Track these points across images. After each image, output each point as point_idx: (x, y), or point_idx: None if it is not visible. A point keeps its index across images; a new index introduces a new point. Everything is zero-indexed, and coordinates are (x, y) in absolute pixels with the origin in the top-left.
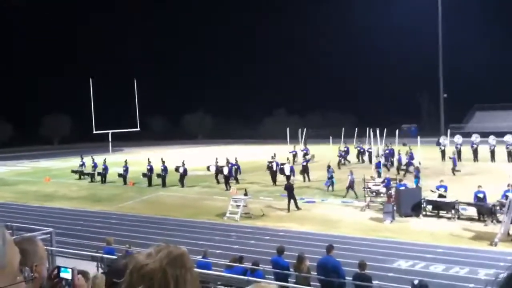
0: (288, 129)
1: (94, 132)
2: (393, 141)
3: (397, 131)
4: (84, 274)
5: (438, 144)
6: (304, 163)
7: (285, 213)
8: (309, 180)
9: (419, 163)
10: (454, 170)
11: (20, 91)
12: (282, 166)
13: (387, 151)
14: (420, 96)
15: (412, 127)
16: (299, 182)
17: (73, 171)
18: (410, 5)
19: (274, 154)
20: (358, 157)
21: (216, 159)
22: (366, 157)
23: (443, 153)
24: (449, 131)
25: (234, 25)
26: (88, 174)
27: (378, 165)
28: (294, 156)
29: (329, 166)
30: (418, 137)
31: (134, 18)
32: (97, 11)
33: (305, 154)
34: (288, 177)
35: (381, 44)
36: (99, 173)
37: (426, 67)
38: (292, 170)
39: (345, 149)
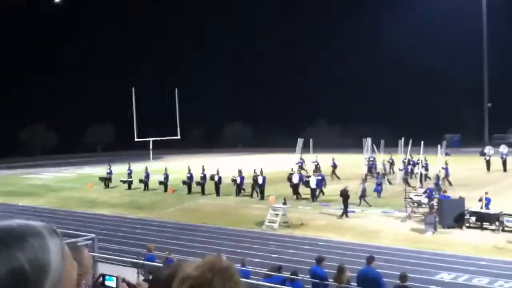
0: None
1: (136, 140)
2: (436, 151)
3: (439, 145)
4: (129, 283)
5: (482, 154)
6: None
7: (324, 222)
8: (323, 194)
9: (439, 171)
10: (447, 179)
11: (66, 100)
12: (308, 179)
13: (409, 162)
14: (464, 106)
15: (455, 136)
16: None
17: (100, 179)
18: (454, 17)
19: (299, 165)
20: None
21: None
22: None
23: (488, 163)
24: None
25: (272, 37)
26: (125, 181)
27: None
28: (301, 167)
29: (378, 173)
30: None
31: (180, 29)
32: (143, 22)
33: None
34: (313, 190)
35: (425, 53)
36: (141, 180)
37: (471, 77)
38: (318, 182)
39: (390, 160)
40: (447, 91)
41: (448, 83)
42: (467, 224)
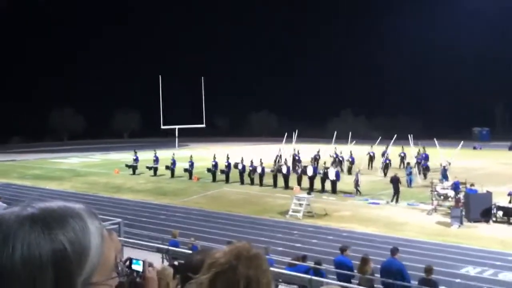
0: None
1: (162, 127)
2: (465, 145)
3: (462, 141)
4: (154, 268)
5: (511, 148)
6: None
7: (348, 213)
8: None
9: (449, 163)
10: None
11: (95, 86)
12: (326, 170)
13: (421, 156)
14: (494, 100)
15: (483, 130)
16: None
17: (126, 166)
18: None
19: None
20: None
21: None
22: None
23: None
24: None
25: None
26: (151, 168)
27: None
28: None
29: (408, 163)
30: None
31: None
32: (172, 9)
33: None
34: (333, 182)
35: (457, 48)
36: (167, 167)
37: (503, 70)
38: (337, 175)
39: (424, 155)
40: (479, 85)
41: (479, 77)
42: (494, 219)
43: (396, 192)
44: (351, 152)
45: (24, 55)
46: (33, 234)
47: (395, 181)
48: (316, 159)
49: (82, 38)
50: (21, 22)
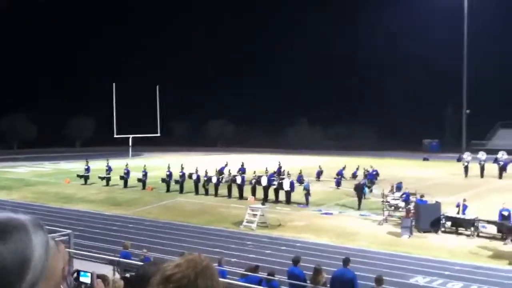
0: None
1: (115, 136)
2: (416, 156)
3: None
4: (104, 278)
5: (460, 160)
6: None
7: (302, 223)
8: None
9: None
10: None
11: (46, 91)
12: (281, 181)
13: (371, 173)
14: (443, 112)
15: (433, 142)
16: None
17: (78, 176)
18: (435, 17)
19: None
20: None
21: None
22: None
23: (466, 169)
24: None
25: (255, 37)
26: (103, 178)
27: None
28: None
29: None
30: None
31: (159, 23)
32: (121, 16)
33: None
34: (288, 192)
35: (406, 56)
36: (121, 177)
37: (451, 83)
38: (292, 185)
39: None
40: (428, 97)
41: (429, 89)
42: (443, 229)
43: (360, 199)
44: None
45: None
46: None
47: (359, 188)
48: (279, 171)
49: (37, 41)
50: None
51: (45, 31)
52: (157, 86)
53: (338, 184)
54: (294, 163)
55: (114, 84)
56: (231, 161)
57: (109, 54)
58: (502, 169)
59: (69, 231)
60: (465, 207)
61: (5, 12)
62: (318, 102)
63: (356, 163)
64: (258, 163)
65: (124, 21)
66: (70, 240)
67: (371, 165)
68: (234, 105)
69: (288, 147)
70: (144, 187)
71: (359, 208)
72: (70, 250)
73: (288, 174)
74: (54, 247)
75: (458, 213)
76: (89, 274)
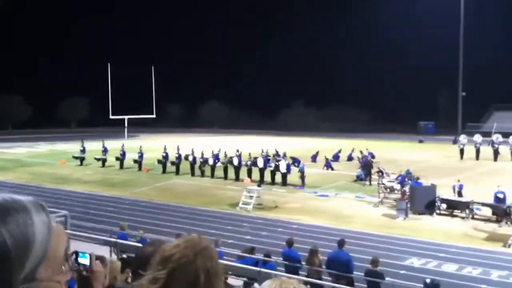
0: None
1: (111, 117)
2: (411, 138)
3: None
4: (102, 259)
5: (455, 142)
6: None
7: (298, 205)
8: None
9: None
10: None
11: (40, 72)
12: (277, 163)
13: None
14: (438, 94)
15: (429, 124)
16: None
17: (74, 157)
18: (432, 2)
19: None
20: None
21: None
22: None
23: (461, 151)
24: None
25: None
26: (99, 159)
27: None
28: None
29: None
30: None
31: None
32: None
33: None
34: (284, 174)
35: (401, 40)
36: (117, 158)
37: (446, 65)
38: (288, 167)
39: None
40: (423, 79)
41: (424, 71)
42: (438, 211)
43: (369, 174)
44: None
45: None
46: None
47: (367, 166)
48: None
49: (30, 24)
50: None
51: (39, 12)
52: (152, 66)
53: (329, 166)
54: (289, 145)
55: (109, 64)
56: (228, 142)
57: (104, 35)
58: (497, 152)
59: (65, 212)
60: (461, 186)
61: None
62: (313, 84)
63: (351, 146)
64: (254, 145)
65: (118, 2)
66: (66, 221)
67: (366, 147)
68: (229, 87)
69: (283, 129)
70: (140, 168)
71: (370, 184)
72: (67, 231)
73: (285, 155)
74: (56, 229)
75: (455, 195)
76: (87, 255)
